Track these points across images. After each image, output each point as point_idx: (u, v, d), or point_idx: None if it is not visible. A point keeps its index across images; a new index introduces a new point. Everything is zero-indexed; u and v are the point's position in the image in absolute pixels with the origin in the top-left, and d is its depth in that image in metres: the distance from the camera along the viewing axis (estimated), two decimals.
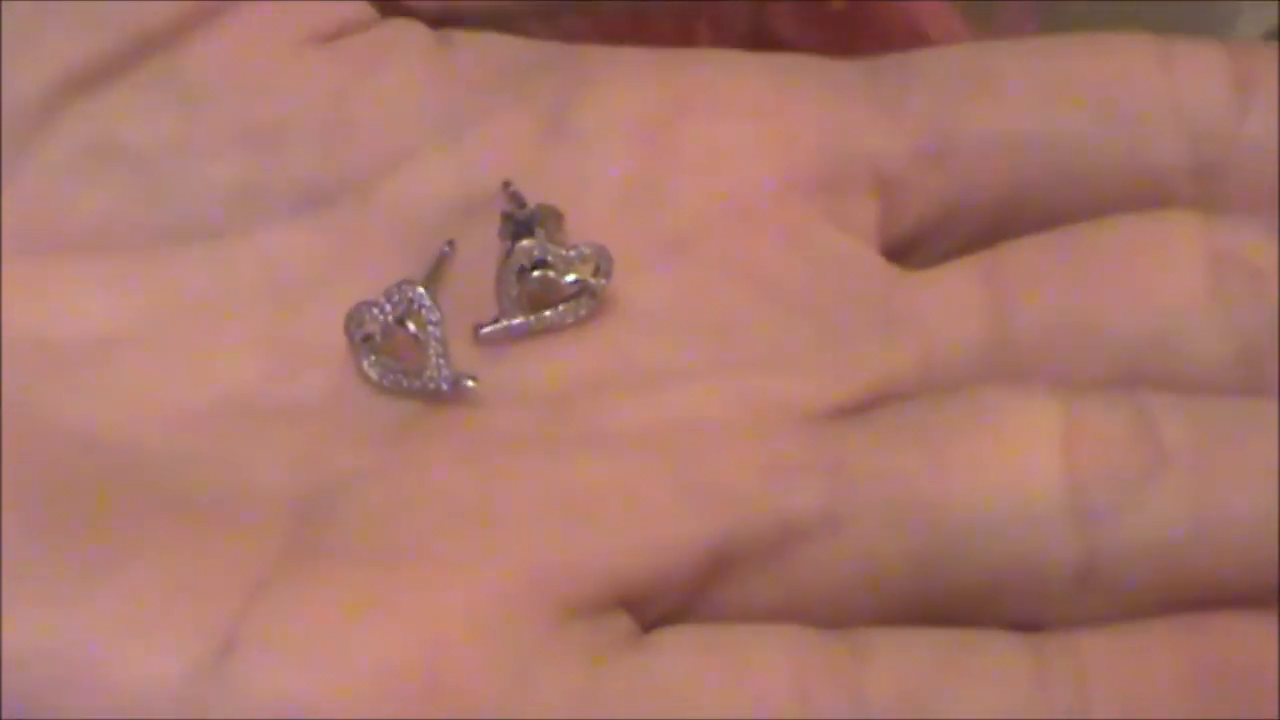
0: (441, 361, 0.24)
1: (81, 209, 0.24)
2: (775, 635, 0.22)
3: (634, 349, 0.24)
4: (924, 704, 0.22)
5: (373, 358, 0.24)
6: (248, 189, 0.25)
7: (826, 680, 0.22)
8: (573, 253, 0.24)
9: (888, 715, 0.21)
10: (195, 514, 0.22)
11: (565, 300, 0.24)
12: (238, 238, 0.24)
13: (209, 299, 0.24)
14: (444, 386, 0.23)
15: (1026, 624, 0.23)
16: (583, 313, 0.24)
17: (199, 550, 0.22)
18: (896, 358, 0.24)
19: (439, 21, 0.27)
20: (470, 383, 0.23)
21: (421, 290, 0.24)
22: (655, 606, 0.22)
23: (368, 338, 0.24)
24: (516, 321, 0.24)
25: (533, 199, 0.25)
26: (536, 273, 0.24)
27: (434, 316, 0.24)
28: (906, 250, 0.26)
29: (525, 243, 0.24)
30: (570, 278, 0.24)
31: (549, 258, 0.24)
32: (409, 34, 0.26)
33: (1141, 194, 0.25)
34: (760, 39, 0.32)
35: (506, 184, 0.25)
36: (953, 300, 0.25)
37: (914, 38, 0.32)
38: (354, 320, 0.24)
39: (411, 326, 0.24)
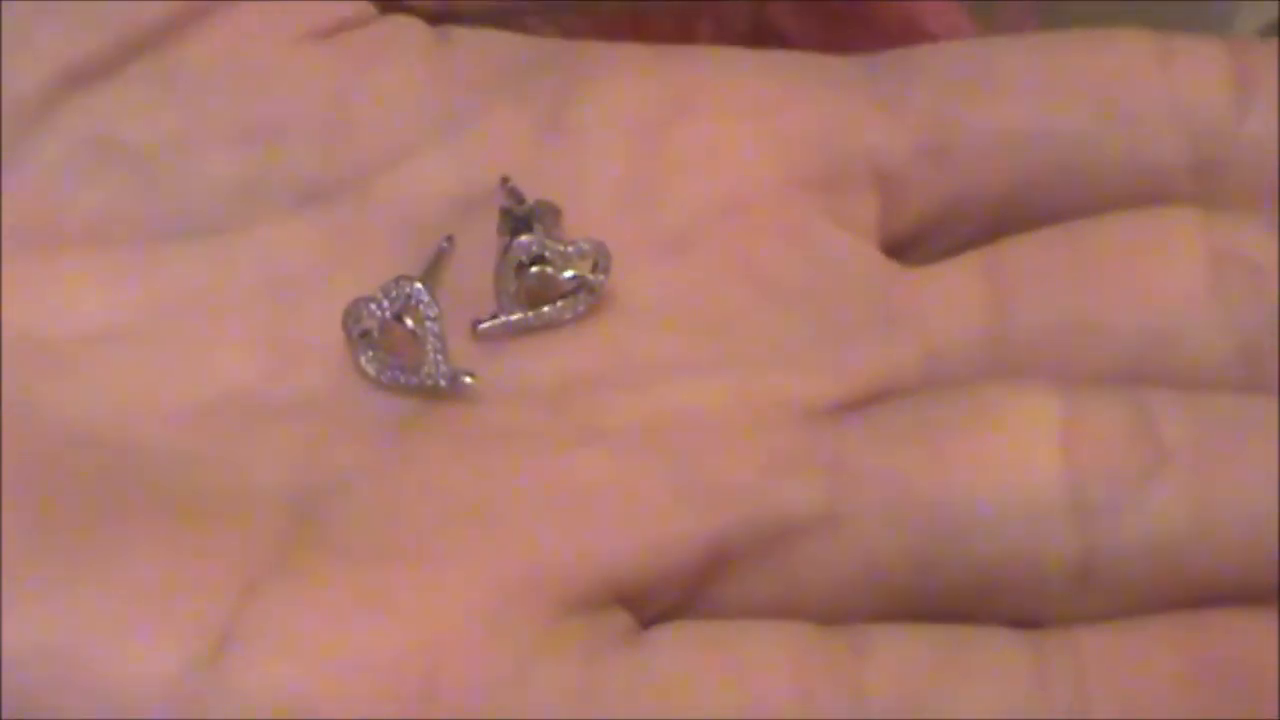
0: (439, 358, 0.24)
1: (79, 205, 0.24)
2: (774, 632, 0.22)
3: (633, 345, 0.24)
4: (923, 701, 0.21)
5: (370, 354, 0.24)
6: (246, 185, 0.25)
7: (825, 677, 0.21)
8: (571, 249, 0.24)
9: (887, 712, 0.21)
10: (192, 511, 0.22)
11: (563, 296, 0.24)
12: (236, 234, 0.24)
13: (207, 295, 0.24)
14: (442, 383, 0.23)
15: (1026, 621, 0.22)
16: (581, 309, 0.24)
17: (195, 547, 0.22)
18: (896, 354, 0.24)
19: (438, 19, 0.27)
20: (468, 379, 0.23)
21: (420, 286, 0.24)
22: (654, 603, 0.22)
23: (365, 334, 0.24)
24: (515, 317, 0.24)
25: (531, 195, 0.25)
26: (535, 269, 0.24)
27: (432, 312, 0.24)
28: (907, 247, 0.26)
29: (523, 238, 0.24)
30: (568, 274, 0.24)
31: (547, 253, 0.24)
32: (407, 31, 0.26)
33: (1142, 191, 0.25)
34: (761, 37, 0.32)
35: (505, 180, 0.25)
36: (953, 297, 0.25)
37: (917, 35, 0.32)
38: (352, 316, 0.24)
39: (409, 322, 0.24)
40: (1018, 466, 0.23)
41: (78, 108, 0.24)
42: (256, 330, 0.24)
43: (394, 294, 0.24)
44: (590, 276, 0.24)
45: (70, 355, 0.23)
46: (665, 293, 0.25)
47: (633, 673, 0.21)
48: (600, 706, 0.21)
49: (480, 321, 0.24)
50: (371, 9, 0.26)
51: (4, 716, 0.20)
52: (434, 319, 0.24)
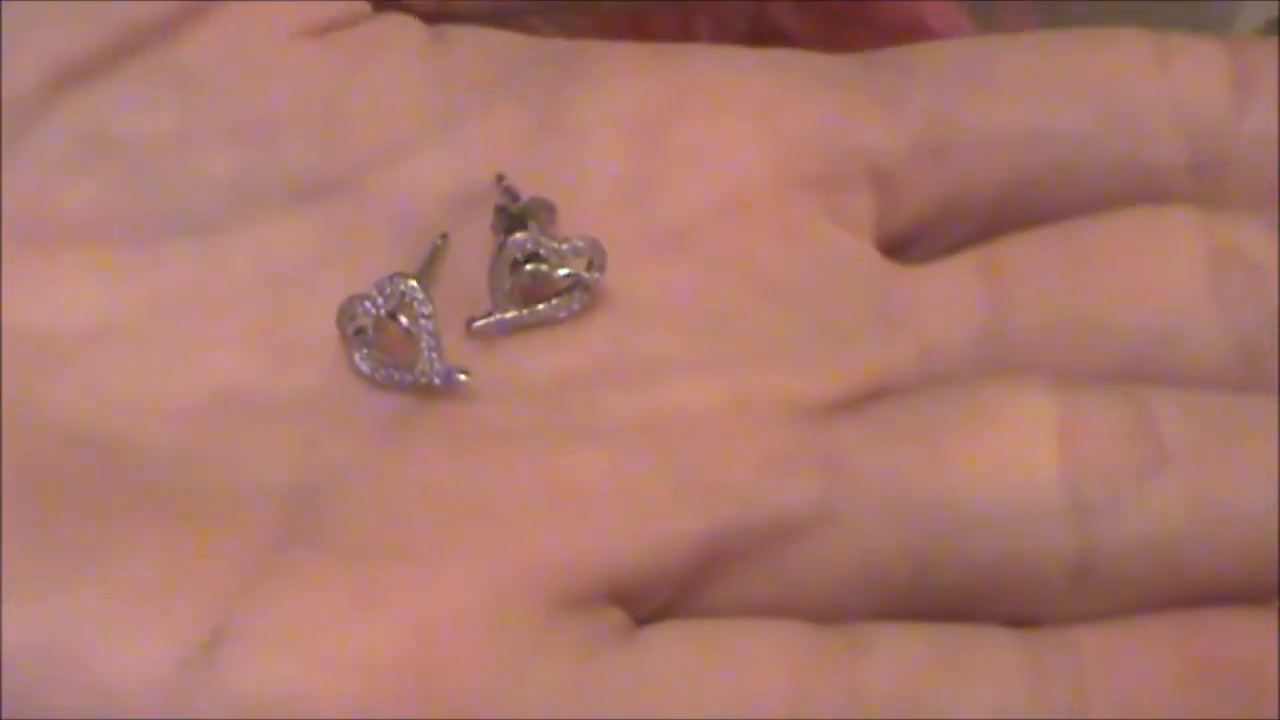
0: (434, 355, 0.23)
1: (74, 201, 0.24)
2: (770, 630, 0.22)
3: (628, 343, 0.24)
4: (920, 700, 0.21)
5: (365, 351, 0.24)
6: (242, 182, 0.24)
7: (821, 676, 0.21)
8: (565, 246, 0.24)
9: (883, 712, 0.21)
10: (186, 508, 0.22)
11: (558, 294, 0.24)
12: (231, 231, 0.24)
13: (202, 292, 0.24)
14: (436, 380, 0.23)
15: (1024, 620, 0.22)
16: (576, 307, 0.24)
17: (188, 544, 0.22)
18: (893, 352, 0.24)
19: (435, 18, 0.27)
20: (462, 376, 0.23)
21: (414, 283, 0.24)
22: (648, 601, 0.22)
23: (360, 331, 0.24)
24: (509, 315, 0.24)
25: (527, 193, 0.25)
26: (529, 266, 0.24)
27: (426, 310, 0.24)
28: (904, 246, 0.26)
29: (518, 236, 0.24)
30: (563, 271, 0.24)
31: (542, 251, 0.24)
32: (404, 29, 0.26)
33: (1140, 190, 0.25)
34: (761, 36, 0.32)
35: (500, 177, 0.25)
36: (950, 295, 0.25)
37: (917, 34, 0.32)
38: (346, 314, 0.24)
39: (404, 320, 0.24)
40: (1016, 465, 0.22)
41: (73, 105, 0.24)
42: (252, 328, 0.24)
43: (388, 291, 0.24)
44: (585, 274, 0.24)
45: (65, 352, 0.23)
46: (662, 291, 0.24)
47: (627, 671, 0.21)
48: (595, 704, 0.21)
49: (475, 319, 0.24)
50: (367, 7, 0.26)
51: (2, 716, 0.20)
52: (428, 316, 0.24)
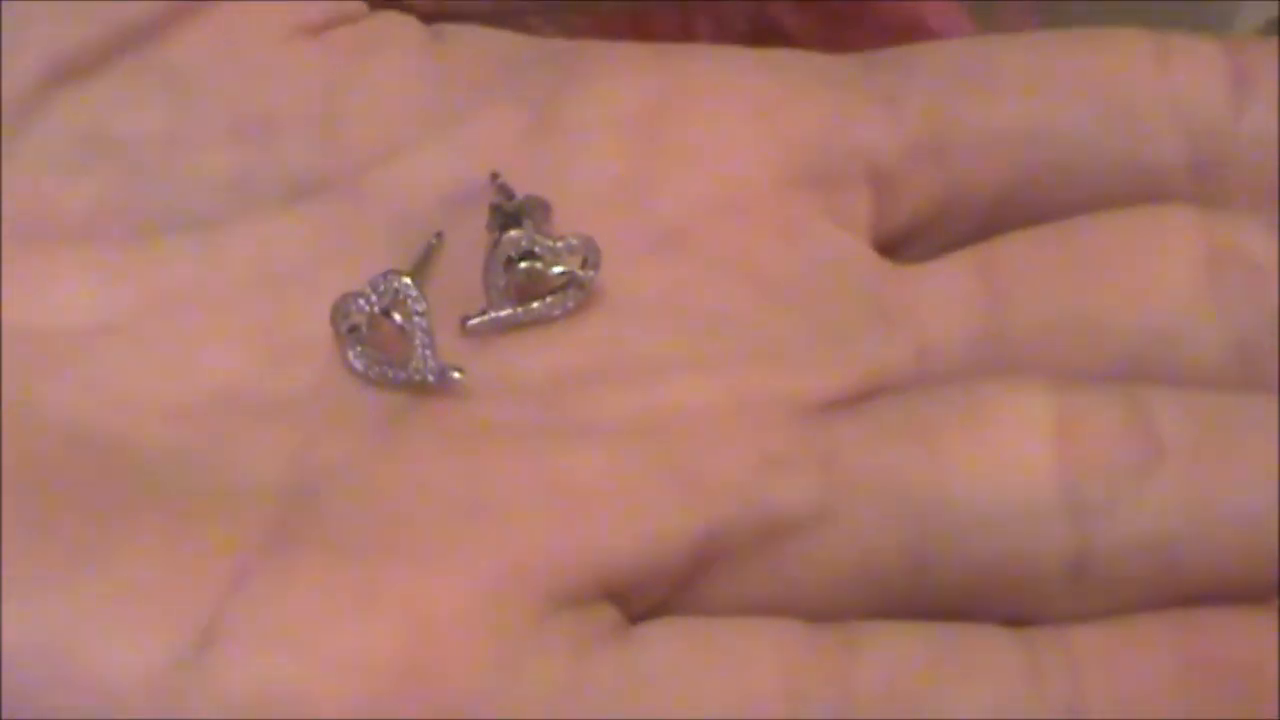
0: (428, 353, 0.23)
1: (70, 200, 0.24)
2: (766, 629, 0.22)
3: (623, 341, 0.24)
4: (917, 699, 0.21)
5: (359, 349, 0.24)
6: (237, 180, 0.25)
7: (816, 674, 0.21)
8: (560, 244, 0.24)
9: (878, 710, 0.21)
10: (180, 505, 0.22)
11: (553, 292, 0.24)
12: (227, 229, 0.24)
13: (197, 290, 0.24)
14: (430, 378, 0.23)
15: (1021, 619, 0.22)
16: (570, 305, 0.24)
17: (182, 541, 0.22)
18: (890, 351, 0.24)
19: (434, 18, 0.27)
20: (457, 374, 0.23)
21: (407, 281, 0.24)
22: (643, 598, 0.22)
23: (354, 329, 0.24)
24: (503, 313, 0.24)
25: (523, 191, 0.25)
26: (524, 264, 0.24)
27: (420, 307, 0.24)
28: (902, 245, 0.26)
29: (512, 233, 0.24)
30: (558, 269, 0.24)
31: (536, 249, 0.24)
32: (401, 27, 0.26)
33: (1139, 190, 0.25)
34: (761, 36, 0.32)
35: (495, 175, 0.25)
36: (947, 294, 0.25)
37: (917, 34, 0.32)
38: (339, 312, 0.24)
39: (398, 317, 0.24)
40: (1013, 464, 0.22)
41: (69, 103, 0.24)
42: (248, 326, 0.24)
43: (382, 289, 0.24)
44: (580, 272, 0.24)
45: (59, 349, 0.23)
46: (657, 289, 0.24)
47: (623, 668, 0.21)
48: (587, 701, 0.21)
49: (469, 317, 0.24)
50: (364, 7, 0.26)
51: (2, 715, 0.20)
52: (422, 314, 0.24)
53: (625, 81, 0.26)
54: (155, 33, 0.25)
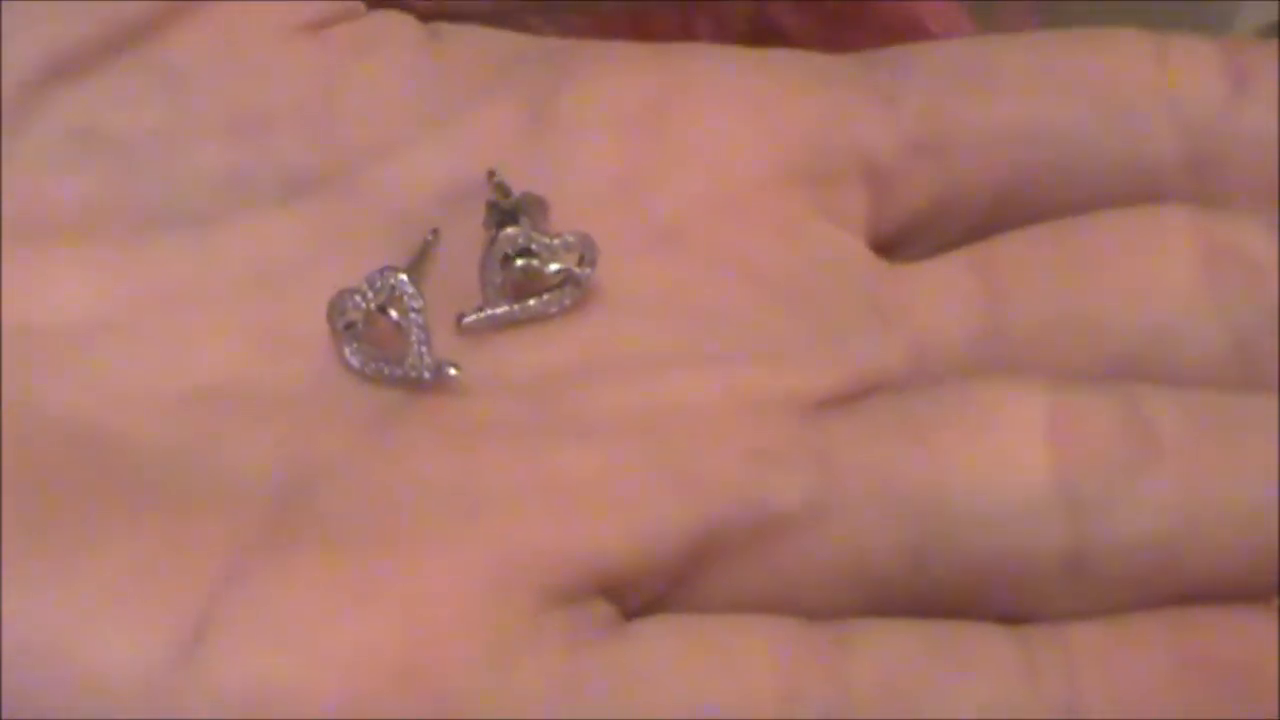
0: (424, 349, 0.23)
1: (65, 196, 0.24)
2: (759, 625, 0.22)
3: (619, 338, 0.24)
4: (912, 696, 0.21)
5: (355, 345, 0.24)
6: (233, 176, 0.25)
7: (811, 671, 0.21)
8: (557, 241, 0.24)
9: (873, 707, 0.21)
10: (176, 502, 0.22)
11: (549, 289, 0.24)
12: (222, 225, 0.24)
13: (193, 286, 0.24)
14: (426, 374, 0.23)
15: (1017, 617, 0.22)
16: (567, 302, 0.24)
17: (176, 537, 0.22)
18: (885, 349, 0.24)
19: (433, 18, 0.27)
20: (453, 371, 0.23)
21: (404, 277, 0.24)
22: (637, 594, 0.22)
23: (350, 325, 0.24)
24: (500, 310, 0.24)
25: (520, 189, 0.25)
26: (520, 261, 0.24)
27: (416, 304, 0.24)
28: (899, 243, 0.26)
29: (509, 230, 0.24)
30: (554, 266, 0.24)
31: (533, 246, 0.24)
32: (398, 26, 0.26)
33: (1136, 189, 0.25)
34: (760, 37, 0.32)
35: (492, 173, 0.25)
36: (943, 292, 0.25)
37: (917, 35, 0.32)
38: (336, 308, 0.24)
39: (394, 314, 0.24)
40: (1009, 462, 0.22)
41: (63, 99, 0.24)
42: (243, 322, 0.24)
43: (378, 285, 0.24)
44: (576, 270, 0.24)
45: (54, 345, 0.23)
46: (653, 286, 0.24)
47: (616, 664, 0.21)
48: (581, 697, 0.21)
49: (465, 315, 0.24)
50: (361, 6, 0.26)
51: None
52: (418, 310, 0.24)
53: (622, 80, 0.26)
54: (153, 30, 0.25)
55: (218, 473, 0.23)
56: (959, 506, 0.22)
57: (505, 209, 0.24)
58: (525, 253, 0.24)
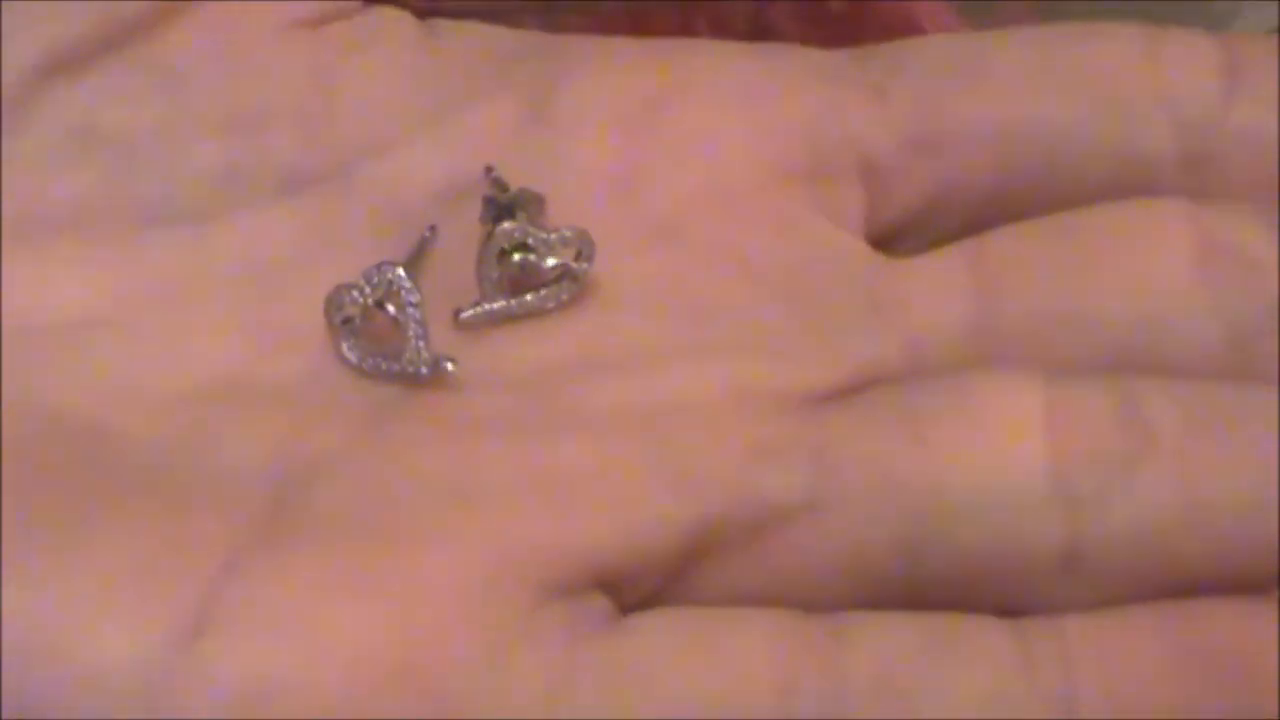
0: (421, 344, 0.24)
1: (61, 192, 0.24)
2: (757, 619, 0.22)
3: (616, 333, 0.24)
4: (908, 689, 0.21)
5: (352, 340, 0.24)
6: (229, 173, 0.25)
7: (807, 664, 0.21)
8: (554, 236, 0.24)
9: (870, 700, 0.21)
10: (172, 495, 0.22)
11: (546, 284, 0.24)
12: (219, 222, 0.24)
13: (189, 282, 0.24)
14: (423, 370, 0.23)
15: (1012, 609, 0.22)
16: (564, 297, 0.24)
17: (172, 531, 0.22)
18: (881, 344, 0.24)
19: (428, 15, 0.27)
20: (450, 365, 0.23)
21: (401, 272, 0.24)
22: (634, 589, 0.22)
23: (347, 321, 0.24)
24: (497, 305, 0.24)
25: (516, 184, 0.25)
26: (517, 256, 0.24)
27: (413, 298, 0.24)
28: (894, 239, 0.26)
29: (505, 225, 0.24)
30: (551, 261, 0.24)
31: (530, 241, 0.24)
32: (394, 22, 0.26)
33: (1130, 183, 0.25)
34: (759, 37, 0.32)
35: (489, 169, 0.25)
36: (938, 286, 0.25)
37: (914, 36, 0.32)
38: (333, 303, 0.24)
39: (391, 309, 0.24)
40: (1003, 455, 0.22)
41: (60, 96, 0.24)
42: (238, 317, 0.24)
43: (376, 280, 0.24)
44: (573, 265, 0.24)
45: (51, 341, 0.23)
46: (649, 281, 0.25)
47: (612, 658, 0.21)
48: (578, 691, 0.21)
49: (462, 310, 0.24)
50: (358, 4, 0.26)
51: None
52: (415, 305, 0.24)
53: (618, 75, 0.26)
54: (150, 28, 0.25)
55: (215, 468, 0.23)
56: (956, 500, 0.22)
57: (502, 204, 0.24)
58: (522, 248, 0.24)
